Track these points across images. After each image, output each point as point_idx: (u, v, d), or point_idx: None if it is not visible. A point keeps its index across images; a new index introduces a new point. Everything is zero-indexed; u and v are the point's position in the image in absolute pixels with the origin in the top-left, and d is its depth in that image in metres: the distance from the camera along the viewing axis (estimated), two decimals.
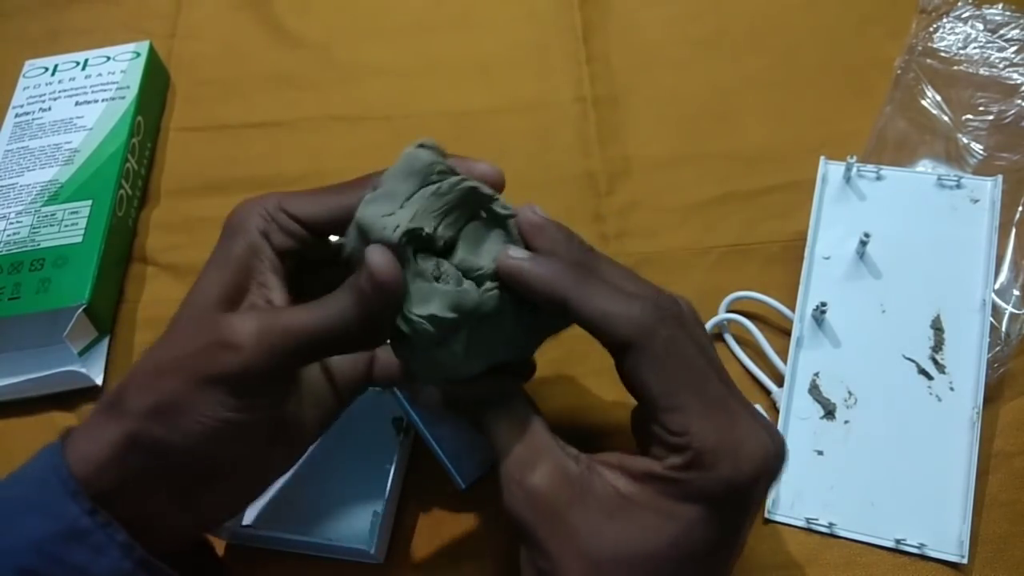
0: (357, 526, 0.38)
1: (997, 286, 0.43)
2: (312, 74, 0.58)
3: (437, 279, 0.29)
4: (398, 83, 0.57)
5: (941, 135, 0.50)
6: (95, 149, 0.51)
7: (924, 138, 0.50)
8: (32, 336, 0.46)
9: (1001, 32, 0.53)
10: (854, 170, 0.46)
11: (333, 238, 0.33)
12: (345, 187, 0.31)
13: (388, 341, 0.31)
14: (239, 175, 0.54)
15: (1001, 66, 0.52)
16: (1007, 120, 0.50)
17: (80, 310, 0.45)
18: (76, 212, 0.48)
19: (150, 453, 0.28)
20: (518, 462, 0.30)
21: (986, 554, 0.37)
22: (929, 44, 0.53)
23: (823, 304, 0.42)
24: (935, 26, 0.54)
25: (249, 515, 0.40)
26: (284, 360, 0.28)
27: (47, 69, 0.56)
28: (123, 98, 0.54)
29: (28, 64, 0.57)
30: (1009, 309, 0.43)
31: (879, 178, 0.46)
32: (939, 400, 0.41)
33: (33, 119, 0.53)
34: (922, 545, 0.37)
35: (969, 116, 0.50)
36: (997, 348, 0.42)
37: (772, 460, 0.27)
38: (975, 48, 0.53)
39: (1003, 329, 0.42)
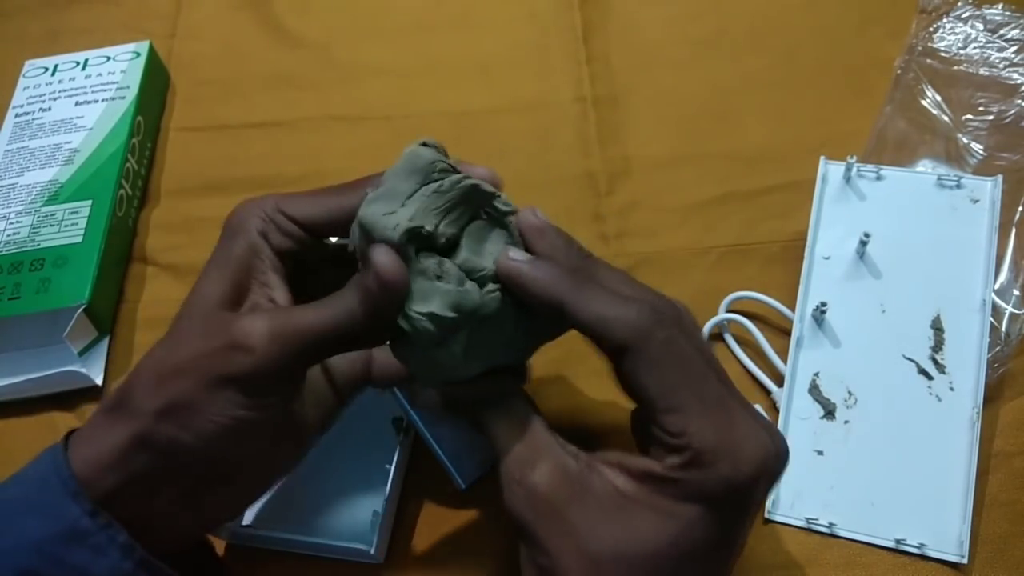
0: (357, 526, 0.38)
1: (997, 286, 0.43)
2: (312, 74, 0.58)
3: (439, 278, 0.29)
4: (398, 83, 0.57)
5: (941, 135, 0.50)
6: (95, 149, 0.51)
7: (924, 138, 0.50)
8: (32, 336, 0.46)
9: (1001, 32, 0.53)
10: (854, 170, 0.46)
11: (333, 239, 0.34)
12: (343, 189, 0.31)
13: (387, 342, 0.31)
14: (239, 175, 0.54)
15: (1001, 66, 0.52)
16: (1007, 120, 0.50)
17: (80, 310, 0.45)
18: (76, 212, 0.48)
19: (159, 453, 0.28)
20: (518, 461, 0.30)
21: (986, 554, 0.37)
22: (929, 44, 0.53)
23: (823, 304, 0.42)
24: (935, 26, 0.54)
25: (249, 515, 0.40)
26: (295, 359, 0.28)
27: (47, 69, 0.56)
28: (123, 98, 0.54)
29: (28, 64, 0.57)
30: (1009, 309, 0.43)
31: (879, 178, 0.46)
32: (939, 400, 0.41)
33: (33, 119, 0.53)
34: (922, 545, 0.37)
35: (969, 116, 0.50)
36: (997, 348, 0.42)
37: (772, 460, 0.27)
38: (975, 48, 0.53)
39: (1003, 329, 0.42)
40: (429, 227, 0.29)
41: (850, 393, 0.41)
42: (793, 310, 0.43)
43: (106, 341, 0.47)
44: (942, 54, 0.53)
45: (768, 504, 0.39)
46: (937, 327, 0.42)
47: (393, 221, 0.28)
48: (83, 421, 0.45)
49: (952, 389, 0.41)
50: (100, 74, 0.55)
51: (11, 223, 0.48)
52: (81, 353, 0.45)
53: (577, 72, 0.56)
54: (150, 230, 0.52)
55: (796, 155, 0.49)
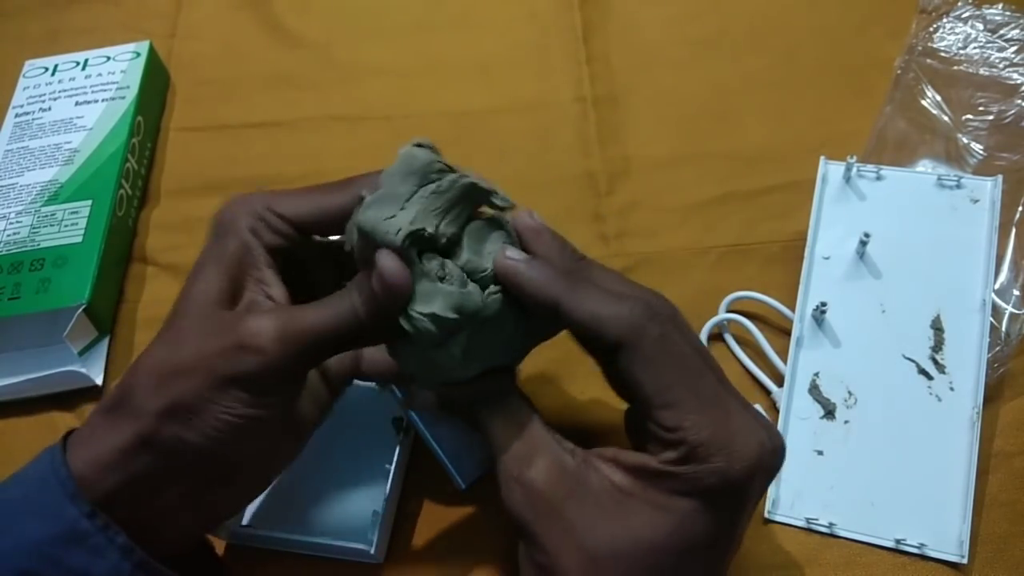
0: (357, 526, 0.38)
1: (997, 286, 0.43)
2: (312, 74, 0.58)
3: (441, 279, 0.29)
4: (398, 83, 0.57)
5: (941, 135, 0.50)
6: (95, 149, 0.51)
7: (924, 138, 0.50)
8: (32, 336, 0.46)
9: (1001, 32, 0.53)
10: (854, 170, 0.46)
11: (332, 238, 0.34)
12: (333, 187, 0.32)
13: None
14: (239, 175, 0.54)
15: (1001, 66, 0.52)
16: (1007, 120, 0.50)
17: (80, 310, 0.45)
18: (76, 212, 0.48)
19: (162, 453, 0.28)
20: (515, 458, 0.30)
21: (986, 554, 0.37)
22: (929, 44, 0.53)
23: (823, 304, 0.42)
24: (935, 26, 0.54)
25: (248, 515, 0.40)
26: (302, 359, 0.29)
27: (47, 69, 0.56)
28: (123, 98, 0.54)
29: (28, 64, 0.57)
30: (1009, 309, 0.43)
31: (879, 178, 0.46)
32: (939, 400, 0.41)
33: (33, 119, 0.53)
34: (922, 545, 0.37)
35: (969, 116, 0.50)
36: (997, 348, 0.42)
37: (768, 456, 0.27)
38: (975, 48, 0.53)
39: (1003, 329, 0.42)
40: (430, 229, 0.29)
41: (850, 393, 0.41)
42: (793, 310, 0.43)
43: (106, 341, 0.47)
44: (942, 54, 0.53)
45: (768, 504, 0.39)
46: (937, 327, 0.42)
47: (395, 225, 0.28)
48: (83, 421, 0.44)
49: (952, 389, 0.41)
50: (100, 74, 0.55)
51: (11, 223, 0.48)
52: (81, 353, 0.45)
53: (577, 72, 0.56)
54: (150, 230, 0.52)
55: (796, 155, 0.49)
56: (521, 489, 0.29)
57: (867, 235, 0.43)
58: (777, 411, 0.42)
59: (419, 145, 0.30)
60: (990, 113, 0.50)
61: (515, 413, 0.31)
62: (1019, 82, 0.51)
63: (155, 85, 0.57)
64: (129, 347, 0.48)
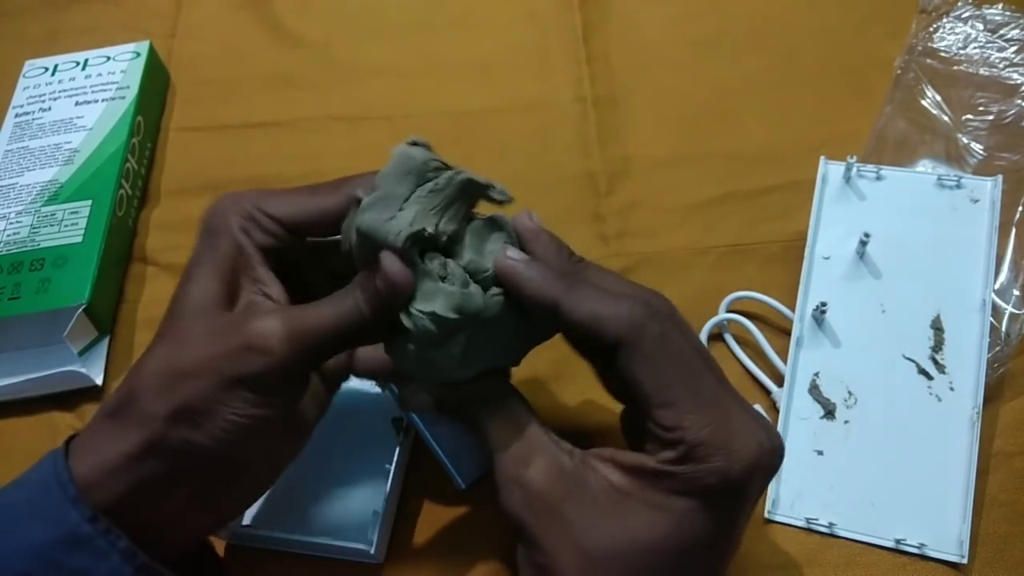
0: (357, 526, 0.38)
1: (997, 286, 0.43)
2: (312, 74, 0.58)
3: (443, 279, 0.29)
4: (398, 83, 0.57)
5: (941, 135, 0.50)
6: (95, 149, 0.51)
7: (924, 138, 0.50)
8: (32, 336, 0.46)
9: (1001, 32, 0.53)
10: (854, 170, 0.46)
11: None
12: (323, 189, 0.32)
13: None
14: (239, 175, 0.54)
15: (1001, 66, 0.52)
16: (1007, 120, 0.50)
17: (80, 310, 0.45)
18: (76, 212, 0.48)
19: (171, 457, 0.28)
20: (513, 459, 0.30)
21: (986, 554, 0.37)
22: (929, 44, 0.53)
23: (823, 304, 0.42)
24: (935, 26, 0.54)
25: (249, 515, 0.40)
26: (309, 358, 0.29)
27: (47, 69, 0.56)
28: (123, 98, 0.54)
29: (28, 64, 0.57)
30: (1009, 309, 0.43)
31: (879, 178, 0.46)
32: (939, 400, 0.41)
33: (33, 119, 0.53)
34: (922, 545, 0.37)
35: (969, 116, 0.50)
36: (997, 348, 0.42)
37: (766, 455, 0.27)
38: (975, 48, 0.53)
39: (1003, 329, 0.42)
40: (431, 229, 0.29)
41: (850, 393, 0.41)
42: (793, 310, 0.43)
43: (106, 341, 0.47)
44: (942, 54, 0.53)
45: (768, 504, 0.39)
46: (937, 327, 0.42)
47: (395, 227, 0.28)
48: (83, 421, 0.45)
49: (952, 389, 0.41)
50: (100, 74, 0.55)
51: (11, 223, 0.48)
52: (81, 353, 0.45)
53: (577, 72, 0.56)
54: (150, 230, 0.52)
55: (796, 155, 0.49)
56: (519, 490, 0.29)
57: (867, 235, 0.43)
58: (777, 411, 0.42)
59: (414, 143, 0.30)
60: (990, 113, 0.50)
61: (513, 414, 0.31)
62: (1019, 82, 0.51)
63: (155, 85, 0.57)
64: (129, 347, 0.48)
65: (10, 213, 0.49)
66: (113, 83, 0.55)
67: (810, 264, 0.44)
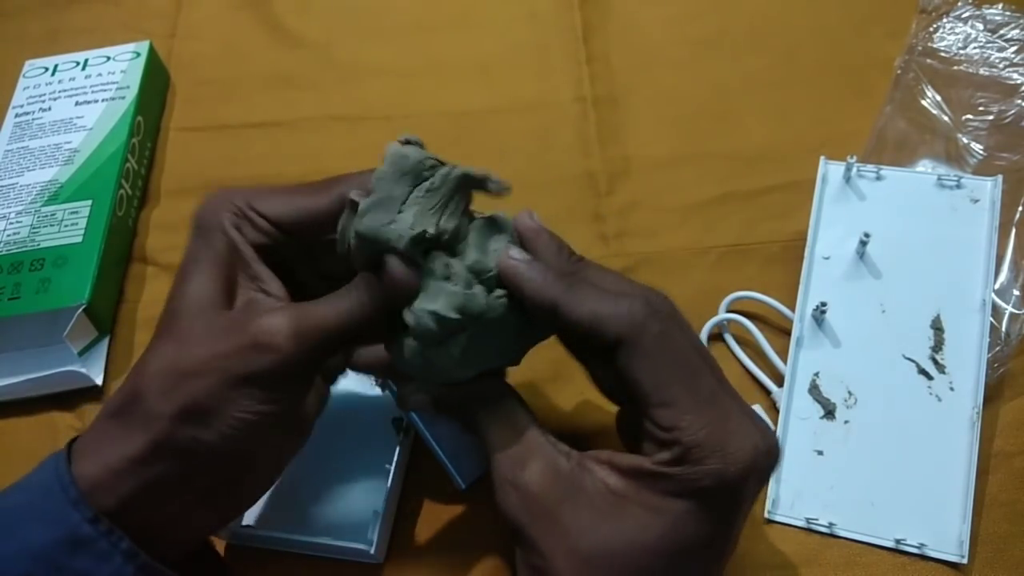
0: (357, 525, 0.38)
1: (997, 286, 0.43)
2: (312, 74, 0.58)
3: (447, 279, 0.29)
4: (398, 83, 0.57)
5: (941, 135, 0.50)
6: (95, 149, 0.51)
7: (924, 138, 0.50)
8: (32, 336, 0.46)
9: (1001, 32, 0.53)
10: (854, 170, 0.46)
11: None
12: (315, 189, 0.32)
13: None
14: (239, 175, 0.54)
15: (1001, 66, 0.52)
16: (1007, 120, 0.50)
17: (80, 310, 0.45)
18: (76, 212, 0.48)
19: (178, 457, 0.28)
20: (510, 460, 0.30)
21: (986, 554, 0.37)
22: (929, 44, 0.53)
23: (823, 304, 0.42)
24: (935, 26, 0.54)
25: (249, 515, 0.40)
26: (315, 355, 0.29)
27: (47, 69, 0.56)
28: (123, 98, 0.54)
29: (28, 64, 0.57)
30: (1009, 309, 0.43)
31: (879, 178, 0.46)
32: (939, 400, 0.40)
33: (33, 119, 0.53)
34: (922, 545, 0.37)
35: (969, 116, 0.50)
36: (997, 348, 0.42)
37: (762, 457, 0.27)
38: (975, 48, 0.53)
39: (1003, 329, 0.42)
40: (431, 229, 0.29)
41: (850, 393, 0.41)
42: (793, 310, 0.43)
43: (106, 341, 0.47)
44: (942, 54, 0.53)
45: (768, 504, 0.39)
46: (937, 327, 0.42)
47: (396, 231, 0.28)
48: (83, 421, 0.45)
49: (952, 389, 0.41)
50: (100, 74, 0.55)
51: (11, 223, 0.48)
52: (81, 353, 0.45)
53: (577, 72, 0.56)
54: (150, 230, 0.52)
55: (796, 155, 0.49)
56: (516, 492, 0.29)
57: (867, 235, 0.43)
58: (777, 411, 0.42)
59: (406, 141, 0.30)
60: (990, 113, 0.50)
61: (510, 415, 0.31)
62: (1019, 82, 0.51)
63: (155, 85, 0.57)
64: (129, 347, 0.48)
65: (10, 213, 0.49)
66: (113, 83, 0.55)
67: (810, 264, 0.44)
